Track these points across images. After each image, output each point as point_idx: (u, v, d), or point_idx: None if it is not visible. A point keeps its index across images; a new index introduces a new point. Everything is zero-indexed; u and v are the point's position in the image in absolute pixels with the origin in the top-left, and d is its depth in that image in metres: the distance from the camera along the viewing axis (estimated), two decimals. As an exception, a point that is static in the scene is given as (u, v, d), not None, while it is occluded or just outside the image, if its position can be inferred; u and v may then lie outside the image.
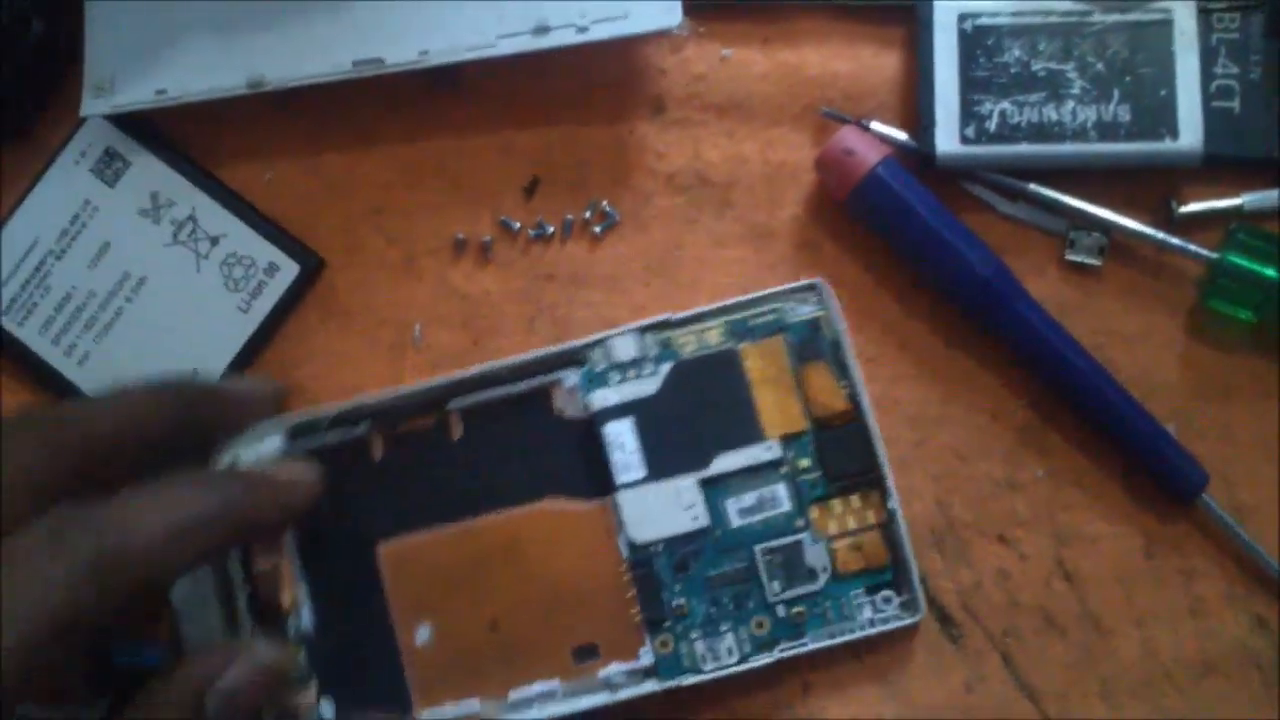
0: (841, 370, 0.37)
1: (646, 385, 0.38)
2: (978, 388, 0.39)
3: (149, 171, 0.41)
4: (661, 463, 0.37)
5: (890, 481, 0.37)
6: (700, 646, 0.37)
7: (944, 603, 0.38)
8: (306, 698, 0.37)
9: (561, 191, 0.41)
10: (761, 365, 0.38)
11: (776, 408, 0.37)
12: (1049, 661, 0.38)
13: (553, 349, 0.38)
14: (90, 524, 0.29)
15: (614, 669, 0.37)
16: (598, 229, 0.40)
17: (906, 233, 0.38)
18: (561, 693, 0.37)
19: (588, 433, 0.37)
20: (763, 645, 0.37)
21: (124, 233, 0.41)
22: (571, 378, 0.38)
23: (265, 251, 0.41)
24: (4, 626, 0.27)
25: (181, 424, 0.34)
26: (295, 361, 0.41)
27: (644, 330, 0.38)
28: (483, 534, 0.37)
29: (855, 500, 0.37)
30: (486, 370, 0.38)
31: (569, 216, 0.41)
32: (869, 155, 0.38)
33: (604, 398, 0.37)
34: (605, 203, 0.40)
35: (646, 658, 0.37)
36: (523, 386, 0.38)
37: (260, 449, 0.37)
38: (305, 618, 0.37)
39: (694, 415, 0.37)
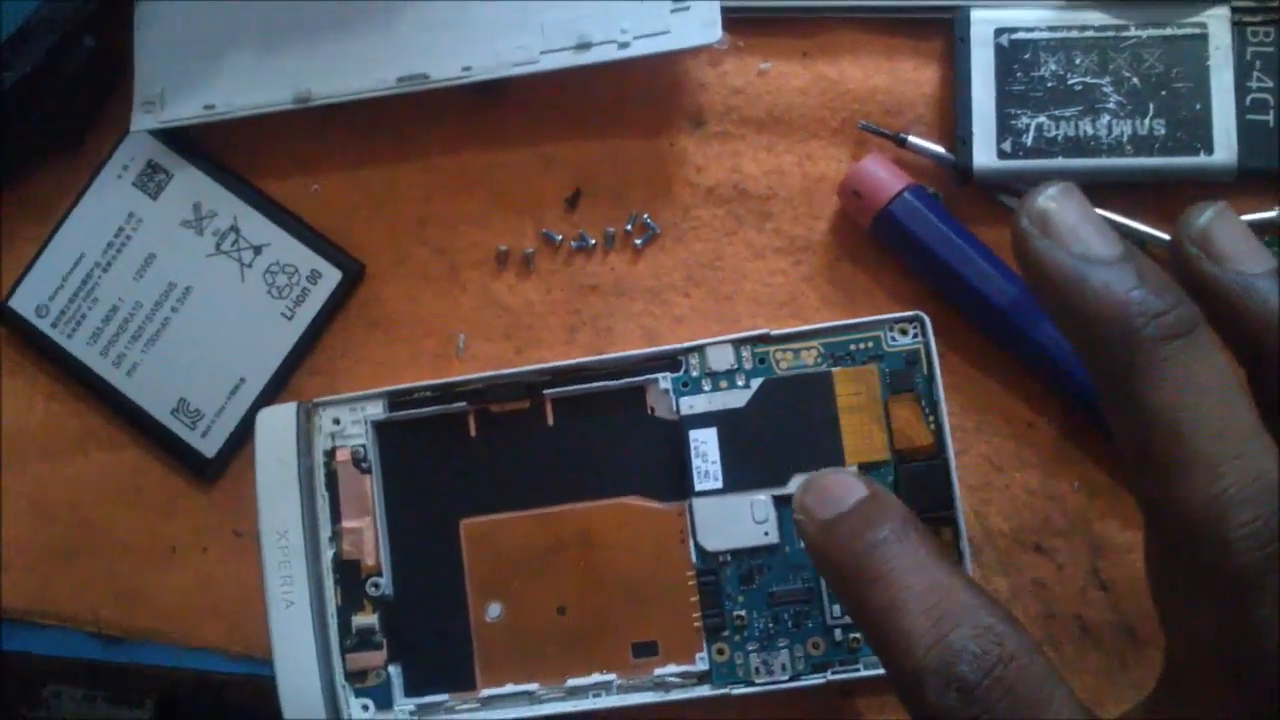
0: (930, 405, 0.38)
1: (737, 397, 0.38)
2: (1014, 399, 0.40)
3: (190, 183, 0.42)
4: (740, 475, 0.38)
5: (963, 522, 0.37)
6: (755, 659, 0.38)
7: (981, 610, 0.39)
8: (377, 661, 0.38)
9: (603, 204, 0.41)
10: (852, 391, 0.38)
11: (860, 435, 0.38)
12: (1085, 671, 0.39)
13: (652, 350, 0.38)
14: None
15: (670, 669, 0.38)
16: (638, 241, 0.41)
17: (925, 265, 0.39)
18: (617, 686, 0.38)
19: (674, 436, 0.38)
20: (816, 666, 0.38)
21: (168, 244, 0.42)
22: (666, 380, 0.38)
23: (308, 259, 0.41)
24: None
25: None
26: (340, 369, 0.41)
27: (742, 342, 0.38)
28: (561, 521, 0.39)
29: None
30: (586, 363, 0.38)
31: (610, 229, 0.41)
32: (880, 192, 0.39)
33: (693, 404, 0.38)
34: (646, 215, 0.41)
35: (702, 663, 0.38)
36: (619, 383, 0.38)
37: (365, 414, 0.39)
38: (385, 581, 0.38)
39: (778, 432, 0.38)
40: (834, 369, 0.38)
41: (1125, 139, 0.39)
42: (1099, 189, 0.39)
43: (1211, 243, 0.28)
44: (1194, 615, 0.26)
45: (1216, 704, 0.26)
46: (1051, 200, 0.28)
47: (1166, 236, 0.39)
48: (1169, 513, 0.26)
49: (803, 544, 0.30)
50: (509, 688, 0.38)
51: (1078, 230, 0.27)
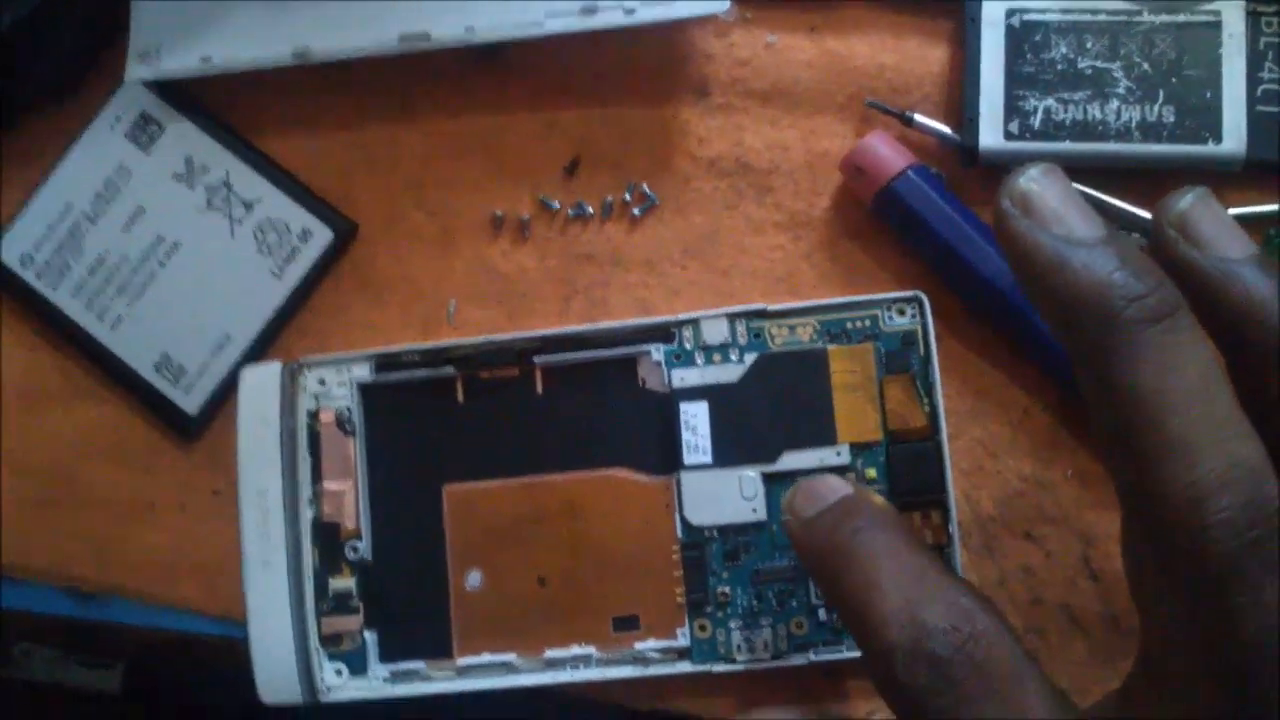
0: (925, 387, 0.37)
1: (730, 371, 0.38)
2: (1011, 385, 0.39)
3: (183, 137, 0.41)
4: (730, 450, 0.37)
5: (954, 506, 0.36)
6: (737, 636, 0.37)
7: (969, 597, 0.38)
8: (352, 625, 0.38)
9: (602, 172, 0.41)
10: (848, 369, 0.37)
11: (854, 414, 0.37)
12: (1070, 661, 0.38)
13: (645, 320, 0.38)
14: None
15: (650, 644, 0.37)
16: (637, 211, 0.40)
17: (925, 245, 0.39)
18: (596, 659, 0.37)
19: (664, 409, 0.38)
20: (799, 646, 0.37)
21: (158, 198, 0.41)
22: (658, 352, 0.38)
23: (299, 217, 0.40)
24: None
25: None
26: (328, 330, 0.41)
27: (737, 316, 0.38)
28: (546, 491, 0.38)
29: (916, 519, 0.37)
30: (578, 332, 0.38)
31: (609, 198, 0.40)
32: (884, 169, 0.38)
33: (685, 377, 0.38)
34: (645, 185, 0.40)
35: (683, 639, 0.37)
36: (611, 353, 0.38)
37: (351, 375, 0.38)
38: (365, 545, 0.38)
39: (770, 408, 0.37)
40: (829, 346, 0.37)
41: (1133, 125, 0.38)
42: (1105, 174, 0.39)
43: (1191, 227, 0.28)
44: (1169, 602, 0.26)
45: (1190, 692, 0.25)
46: (1034, 181, 0.28)
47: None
48: (1145, 499, 0.26)
49: (792, 546, 0.31)
50: (486, 657, 0.38)
51: (1059, 211, 0.27)
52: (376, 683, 0.38)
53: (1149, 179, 0.39)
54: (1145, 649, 0.27)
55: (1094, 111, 0.38)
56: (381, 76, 0.41)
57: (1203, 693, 0.25)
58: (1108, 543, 0.38)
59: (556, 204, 0.41)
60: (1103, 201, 0.39)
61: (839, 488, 0.31)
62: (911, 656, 0.26)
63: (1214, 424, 0.25)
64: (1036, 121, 0.38)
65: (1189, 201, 0.28)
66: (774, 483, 0.37)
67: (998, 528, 0.39)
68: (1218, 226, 0.28)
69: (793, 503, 0.31)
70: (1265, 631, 0.24)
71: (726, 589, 0.37)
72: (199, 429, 0.41)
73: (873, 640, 0.27)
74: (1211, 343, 0.27)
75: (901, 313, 0.37)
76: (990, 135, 0.39)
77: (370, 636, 0.38)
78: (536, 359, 0.38)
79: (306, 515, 0.38)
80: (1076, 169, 0.38)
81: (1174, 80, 0.38)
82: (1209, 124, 0.38)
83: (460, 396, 0.39)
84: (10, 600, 0.42)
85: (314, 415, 0.38)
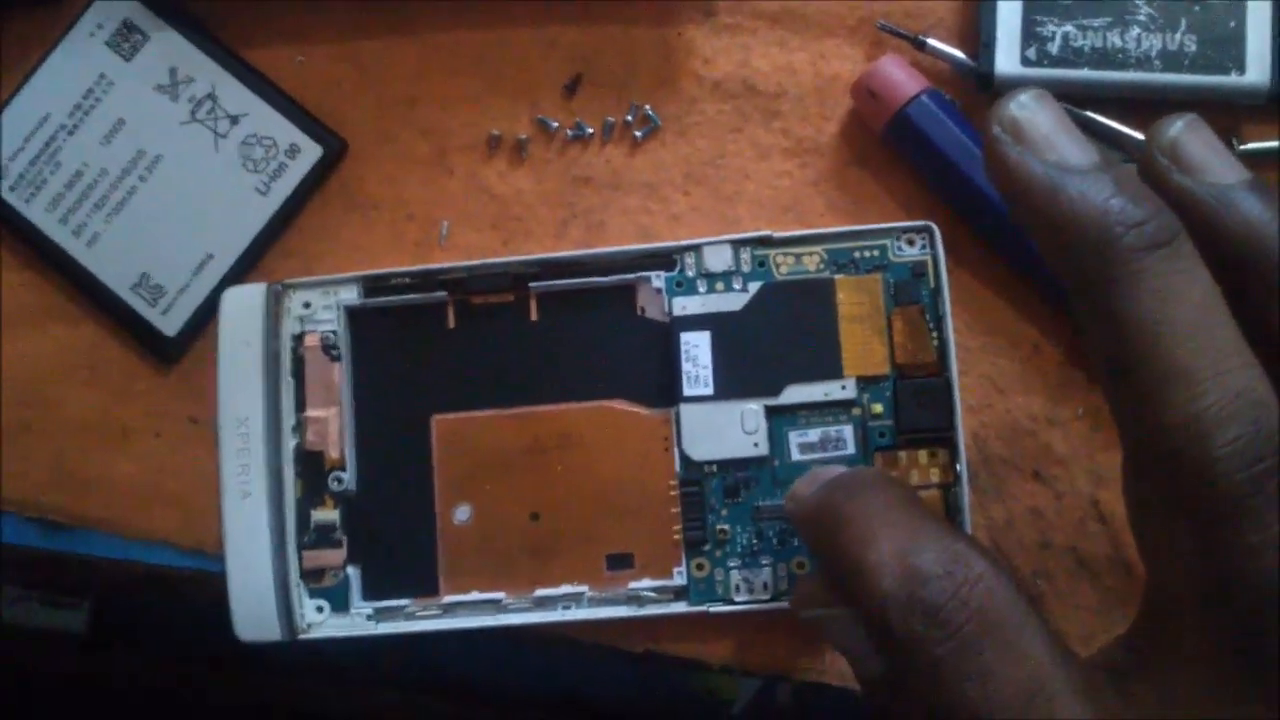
0: (935, 320, 0.36)
1: (732, 300, 0.36)
2: (1022, 321, 0.38)
3: (167, 46, 0.39)
4: (732, 383, 0.36)
5: (962, 443, 0.35)
6: (736, 576, 0.36)
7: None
8: (335, 560, 0.36)
9: (603, 92, 0.39)
10: (855, 300, 0.36)
11: (860, 347, 0.36)
12: (1078, 606, 0.37)
13: (646, 246, 0.36)
14: None
15: (645, 584, 0.36)
16: (638, 133, 0.39)
17: (938, 173, 0.37)
18: (588, 599, 0.36)
19: (664, 338, 0.36)
20: None
21: (139, 109, 0.39)
22: (659, 279, 0.36)
23: (287, 132, 0.39)
24: None
25: None
26: (315, 252, 0.39)
27: (741, 243, 0.36)
28: (540, 422, 0.36)
29: (922, 456, 0.35)
30: (576, 257, 0.36)
31: (610, 119, 0.39)
32: (897, 94, 0.37)
33: (686, 305, 0.36)
34: (648, 106, 0.39)
35: (680, 578, 0.36)
36: (609, 280, 0.36)
37: (338, 298, 0.37)
38: (349, 476, 0.36)
39: (774, 340, 0.36)
40: (836, 276, 0.36)
41: (1154, 53, 0.37)
42: (1123, 105, 0.38)
43: (1182, 154, 0.27)
44: (1174, 541, 0.25)
45: (1198, 635, 0.25)
46: (1024, 107, 0.27)
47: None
48: (1147, 433, 0.25)
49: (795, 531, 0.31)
50: (474, 595, 0.36)
51: (1051, 138, 0.26)
52: (359, 620, 0.36)
53: (1169, 111, 0.38)
54: (1149, 591, 0.27)
55: (1114, 39, 0.37)
56: (375, -12, 0.39)
57: (1209, 636, 0.24)
58: (1118, 484, 0.37)
59: (555, 124, 0.39)
60: (1119, 132, 0.38)
61: (839, 468, 0.31)
62: (906, 605, 0.25)
63: (1217, 354, 0.24)
64: (1054, 48, 0.37)
65: (1179, 128, 0.27)
66: (776, 416, 0.36)
67: (1006, 468, 0.37)
68: (1209, 152, 0.27)
69: (794, 490, 0.31)
70: (1275, 570, 0.23)
71: (725, 527, 0.36)
72: (177, 352, 0.39)
73: (866, 593, 0.26)
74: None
75: (911, 243, 0.36)
76: (1006, 61, 0.37)
77: (353, 572, 0.37)
78: (532, 285, 0.37)
79: (289, 444, 0.37)
80: (1095, 98, 0.38)
81: (1197, 8, 0.37)
82: (1232, 54, 0.37)
83: (451, 322, 0.37)
84: (-28, 530, 0.40)
85: (298, 339, 0.37)
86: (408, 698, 0.67)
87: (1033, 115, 0.27)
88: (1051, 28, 0.37)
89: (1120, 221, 0.25)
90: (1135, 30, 0.37)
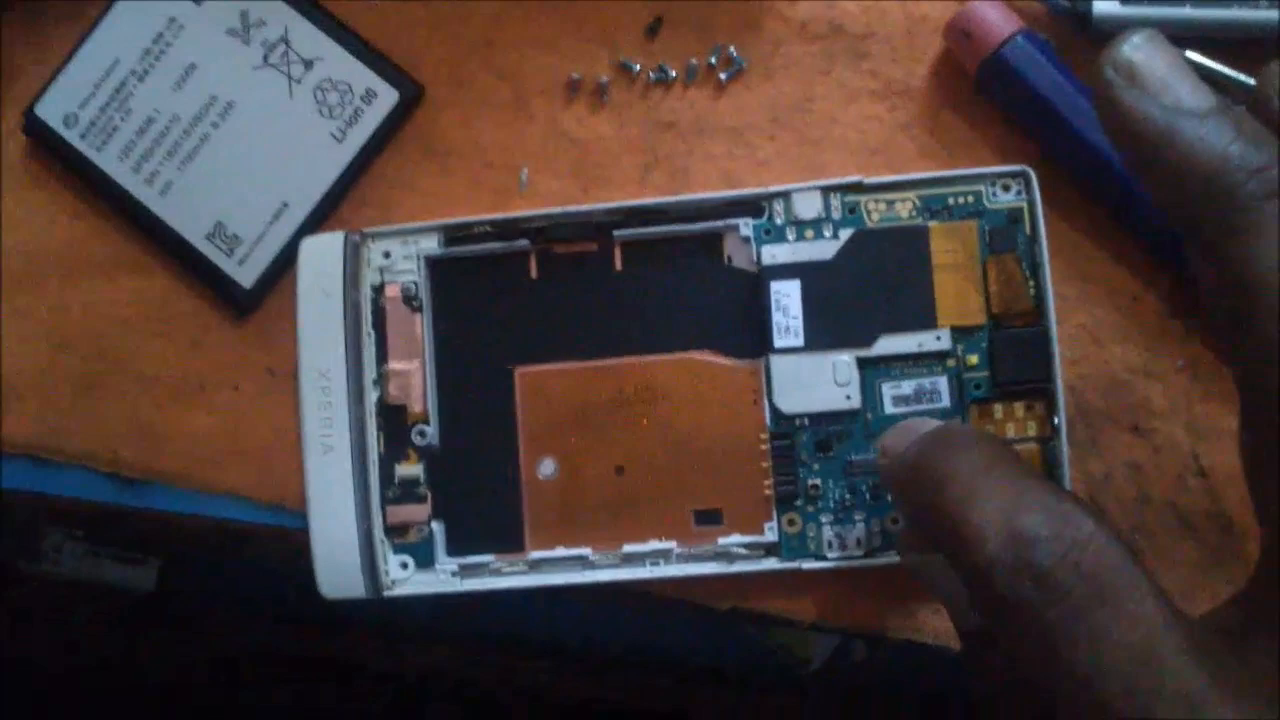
0: (1031, 268, 0.35)
1: (824, 248, 0.35)
2: (1120, 269, 0.37)
3: (238, -11, 0.38)
4: (823, 333, 0.35)
5: (1061, 396, 0.34)
6: (828, 532, 0.35)
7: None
8: (419, 515, 0.36)
9: (686, 34, 0.38)
10: (949, 248, 0.35)
11: (955, 296, 0.35)
12: (1178, 562, 0.36)
13: (734, 193, 0.35)
14: None
15: (735, 539, 0.35)
16: (723, 76, 0.38)
17: (1034, 117, 0.36)
18: (676, 555, 0.35)
19: (752, 288, 0.35)
20: (894, 542, 0.35)
21: (211, 54, 0.38)
22: (747, 226, 0.35)
23: (363, 77, 0.38)
24: None
25: None
26: (392, 200, 0.38)
27: (832, 189, 0.35)
28: (624, 375, 0.36)
29: (1019, 409, 0.35)
30: (661, 204, 0.35)
31: (693, 61, 0.38)
32: (991, 35, 0.36)
33: (776, 254, 0.35)
34: (732, 48, 0.38)
35: (771, 534, 0.35)
36: (696, 228, 0.36)
37: (418, 247, 0.36)
38: (432, 430, 0.36)
39: (866, 289, 0.35)
40: (930, 223, 0.35)
41: (1264, -11, 0.36)
42: (1229, 45, 0.36)
43: None
44: None
45: None
46: (1138, 49, 0.26)
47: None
48: (1270, 385, 0.24)
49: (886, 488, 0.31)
50: (559, 551, 0.36)
51: (1168, 80, 0.25)
52: (445, 576, 0.36)
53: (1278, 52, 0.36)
54: (1266, 554, 0.26)
55: (1220, -27, 0.36)
56: (451, -72, 0.38)
57: None
58: (1219, 438, 0.36)
59: (637, 67, 0.38)
60: (1225, 74, 0.36)
61: (931, 423, 0.30)
62: (1013, 569, 0.24)
63: None
64: (1158, -16, 0.36)
65: None
66: (869, 368, 0.35)
67: (1103, 421, 0.36)
68: None
69: (884, 442, 0.30)
70: None
71: (817, 481, 0.35)
72: (253, 303, 0.38)
73: (970, 557, 0.25)
74: None
75: (1006, 188, 0.35)
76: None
77: (438, 527, 0.36)
78: (616, 233, 0.36)
79: (371, 397, 0.36)
80: (1199, 39, 0.36)
81: (1311, -60, 0.35)
82: (1347, -11, 0.35)
83: (534, 272, 0.36)
84: (45, 485, 0.40)
85: (378, 290, 0.36)
86: (477, 655, 0.67)
87: (1147, 57, 0.26)
88: (1155, -37, 0.36)
89: (1242, 168, 0.24)
90: (1244, -35, 0.36)
